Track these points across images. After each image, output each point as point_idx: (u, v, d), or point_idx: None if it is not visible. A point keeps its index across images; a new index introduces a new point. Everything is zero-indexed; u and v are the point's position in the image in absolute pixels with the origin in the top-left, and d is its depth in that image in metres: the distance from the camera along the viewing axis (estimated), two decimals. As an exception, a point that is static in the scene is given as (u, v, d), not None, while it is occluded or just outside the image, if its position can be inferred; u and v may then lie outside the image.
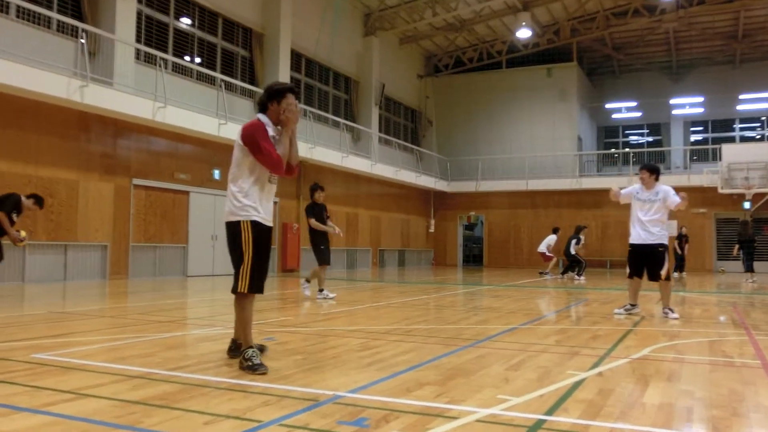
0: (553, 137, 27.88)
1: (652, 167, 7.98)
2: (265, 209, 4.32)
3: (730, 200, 24.18)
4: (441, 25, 26.66)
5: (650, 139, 31.45)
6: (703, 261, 24.70)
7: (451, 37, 28.07)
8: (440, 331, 6.47)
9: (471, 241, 30.96)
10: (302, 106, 20.02)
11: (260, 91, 18.07)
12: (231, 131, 15.99)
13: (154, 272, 15.11)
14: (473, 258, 29.96)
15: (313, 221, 9.90)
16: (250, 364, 4.07)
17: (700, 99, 29.75)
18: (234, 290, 4.26)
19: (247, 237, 4.21)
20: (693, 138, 30.61)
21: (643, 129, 31.70)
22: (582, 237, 18.16)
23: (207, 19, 17.66)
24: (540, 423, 3.04)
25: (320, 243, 9.98)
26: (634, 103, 30.99)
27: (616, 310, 8.21)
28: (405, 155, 27.22)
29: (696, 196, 24.66)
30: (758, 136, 29.31)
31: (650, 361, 4.73)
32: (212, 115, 15.67)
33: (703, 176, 24.37)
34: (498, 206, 27.81)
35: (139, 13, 15.20)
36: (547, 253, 19.12)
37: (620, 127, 32.03)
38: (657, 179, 7.95)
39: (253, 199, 4.25)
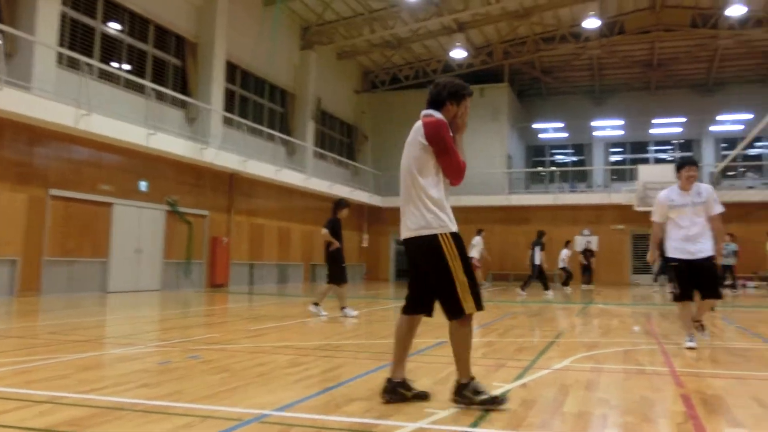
0: (485, 155, 28.56)
1: (694, 161, 6.48)
2: (453, 218, 3.78)
3: (645, 217, 25.35)
4: (378, 42, 26.96)
5: (575, 158, 32.72)
6: (620, 275, 25.80)
7: (388, 54, 28.41)
8: (371, 345, 6.49)
9: (403, 255, 31.13)
10: (236, 117, 19.78)
11: (193, 101, 17.79)
12: (160, 142, 15.60)
13: (70, 288, 14.24)
14: (405, 273, 29.95)
15: (328, 234, 9.55)
16: (487, 396, 3.60)
17: (620, 122, 31.31)
18: (457, 315, 3.61)
19: (451, 250, 3.63)
20: (613, 158, 32.07)
21: (568, 149, 32.94)
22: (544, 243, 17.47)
23: (137, 25, 17.19)
24: (464, 435, 3.09)
25: (341, 261, 9.71)
26: (560, 124, 32.21)
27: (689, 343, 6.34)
28: (340, 170, 27.26)
29: (615, 213, 25.87)
30: (670, 158, 30.97)
31: (571, 371, 4.90)
32: (140, 125, 15.23)
33: (622, 194, 25.60)
34: (430, 222, 28.13)
35: (62, 15, 14.58)
36: (476, 262, 18.61)
37: (547, 146, 33.18)
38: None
39: (445, 208, 3.72)
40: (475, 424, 3.29)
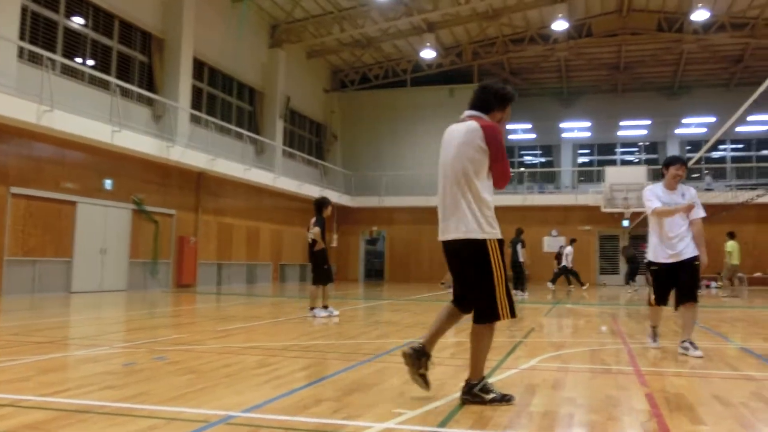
0: (454, 155, 28.70)
1: (684, 159, 6.30)
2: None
3: (612, 218, 25.84)
4: (348, 42, 26.90)
5: (543, 159, 33.11)
6: (588, 275, 26.19)
7: (357, 54, 28.37)
8: (339, 346, 6.47)
9: (373, 255, 31.21)
10: (204, 115, 19.54)
11: (159, 98, 17.51)
12: (126, 139, 15.31)
13: (32, 288, 13.93)
14: (375, 272, 30.17)
15: (319, 234, 9.43)
16: (497, 395, 3.73)
17: (587, 124, 31.77)
18: (492, 318, 3.71)
19: (496, 257, 3.69)
20: (580, 160, 32.53)
21: (536, 150, 33.32)
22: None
23: (102, 19, 16.84)
24: (432, 435, 3.10)
25: (325, 262, 9.64)
26: (528, 126, 32.54)
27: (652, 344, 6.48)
28: (309, 169, 27.13)
29: (582, 214, 26.25)
30: (636, 160, 31.56)
31: (538, 371, 4.95)
32: (105, 122, 14.93)
33: (589, 196, 25.99)
34: (400, 222, 28.24)
35: (24, 9, 14.22)
36: None
37: (516, 147, 33.51)
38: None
39: (494, 213, 3.75)
40: (442, 424, 3.30)
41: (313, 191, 25.16)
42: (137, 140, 15.85)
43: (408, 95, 29.72)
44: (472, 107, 3.91)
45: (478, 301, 3.75)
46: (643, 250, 25.08)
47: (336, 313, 9.64)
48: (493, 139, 3.68)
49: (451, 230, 3.77)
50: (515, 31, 27.15)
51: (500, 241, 3.74)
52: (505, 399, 3.73)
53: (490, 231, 3.70)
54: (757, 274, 24.40)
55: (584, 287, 20.16)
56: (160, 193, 17.65)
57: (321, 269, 9.58)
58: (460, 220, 3.71)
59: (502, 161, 3.72)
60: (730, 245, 18.22)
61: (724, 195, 25.67)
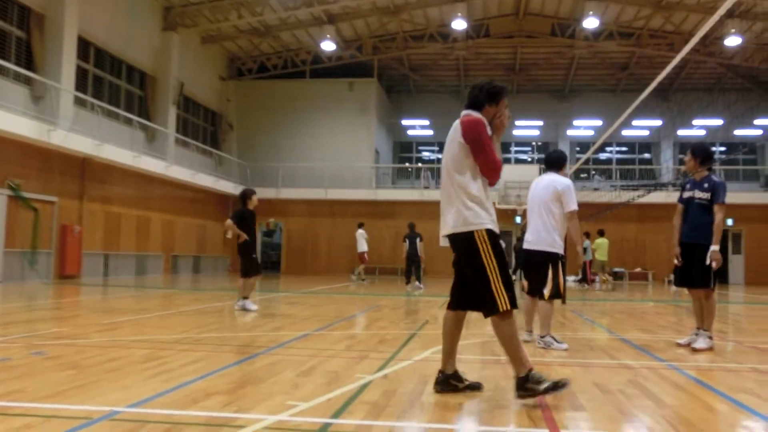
0: (353, 149, 28.81)
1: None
2: (493, 215, 3.88)
3: (506, 215, 26.93)
4: (246, 29, 26.25)
5: (440, 156, 33.86)
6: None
7: (255, 42, 27.75)
8: (233, 338, 6.34)
9: (269, 247, 30.77)
10: (89, 98, 18.42)
11: (39, 78, 16.31)
12: (1, 120, 14.16)
13: None
14: (271, 264, 29.75)
15: (233, 226, 9.16)
16: (549, 383, 3.63)
17: (484, 122, 32.83)
18: (492, 311, 3.68)
19: (485, 248, 3.71)
20: (477, 157, 33.59)
21: (434, 146, 34.08)
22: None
23: (-26, -10, 15.45)
24: (326, 427, 3.11)
25: (252, 252, 9.41)
26: (427, 122, 33.22)
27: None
28: (203, 158, 26.29)
29: (477, 210, 27.11)
30: (529, 159, 33.06)
31: (431, 362, 5.07)
32: (-23, 100, 13.73)
33: (484, 192, 26.86)
34: (297, 214, 27.99)
35: None
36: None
37: (414, 143, 34.12)
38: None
39: (483, 205, 3.80)
40: (336, 415, 3.31)
41: (207, 181, 24.45)
42: (14, 122, 14.69)
43: (307, 87, 29.46)
44: (466, 106, 4.03)
45: (478, 295, 3.78)
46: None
47: (254, 307, 9.39)
48: (470, 133, 3.78)
49: (444, 225, 3.92)
50: (415, 28, 27.59)
51: (489, 231, 3.77)
52: (559, 386, 3.66)
53: (477, 222, 3.76)
54: (638, 269, 26.28)
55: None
56: (40, 179, 16.47)
57: (248, 259, 9.46)
58: (450, 215, 3.85)
59: (483, 153, 3.77)
60: (598, 242, 19.34)
61: (609, 195, 27.45)
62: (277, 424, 3.13)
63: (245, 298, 9.37)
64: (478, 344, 6.22)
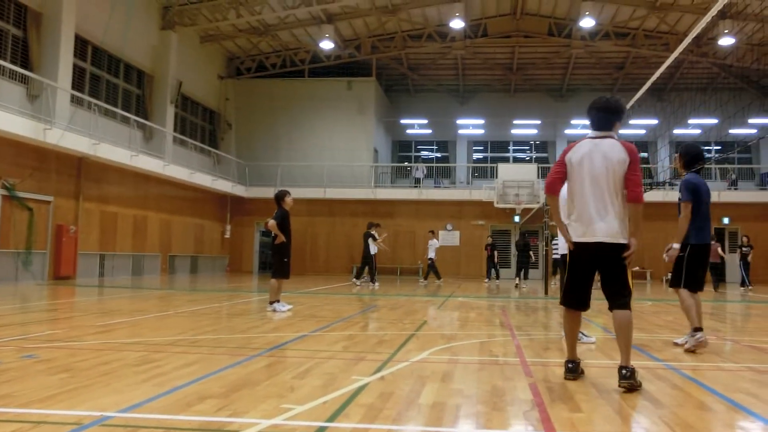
0: (351, 148, 28.75)
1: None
2: None
3: (504, 214, 26.89)
4: (244, 28, 26.18)
5: (439, 155, 33.87)
6: (480, 269, 27.08)
7: (254, 41, 27.67)
8: (229, 340, 6.28)
9: (268, 247, 30.65)
10: (87, 97, 18.34)
11: (36, 77, 16.24)
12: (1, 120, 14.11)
13: None
14: (270, 265, 29.60)
15: (275, 227, 9.15)
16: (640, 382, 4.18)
17: (482, 121, 32.81)
18: (627, 305, 4.25)
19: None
20: (475, 156, 33.59)
21: (433, 145, 34.03)
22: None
23: (-30, -12, 15.36)
24: (321, 430, 3.05)
25: (285, 255, 9.32)
26: (425, 121, 33.14)
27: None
28: (201, 157, 26.21)
29: (476, 209, 27.11)
30: (527, 158, 33.01)
31: (428, 363, 5.02)
32: (-27, 99, 13.64)
33: (483, 191, 26.82)
34: (296, 213, 27.41)
35: None
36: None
37: (413, 142, 34.04)
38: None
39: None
40: (331, 419, 3.25)
41: (205, 180, 24.38)
42: (9, 120, 14.61)
43: (306, 86, 29.39)
44: (599, 118, 4.54)
45: (619, 294, 4.33)
46: (534, 244, 26.31)
47: (285, 308, 9.34)
48: (636, 154, 4.34)
49: (599, 233, 4.33)
50: (414, 27, 27.53)
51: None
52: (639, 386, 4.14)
53: (626, 235, 4.30)
54: (635, 269, 26.23)
55: (440, 281, 20.59)
56: (36, 178, 16.39)
57: (280, 262, 9.40)
58: (611, 225, 4.30)
59: (637, 173, 4.28)
60: None
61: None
62: (272, 428, 3.07)
63: (276, 301, 9.34)
64: (476, 345, 6.16)
